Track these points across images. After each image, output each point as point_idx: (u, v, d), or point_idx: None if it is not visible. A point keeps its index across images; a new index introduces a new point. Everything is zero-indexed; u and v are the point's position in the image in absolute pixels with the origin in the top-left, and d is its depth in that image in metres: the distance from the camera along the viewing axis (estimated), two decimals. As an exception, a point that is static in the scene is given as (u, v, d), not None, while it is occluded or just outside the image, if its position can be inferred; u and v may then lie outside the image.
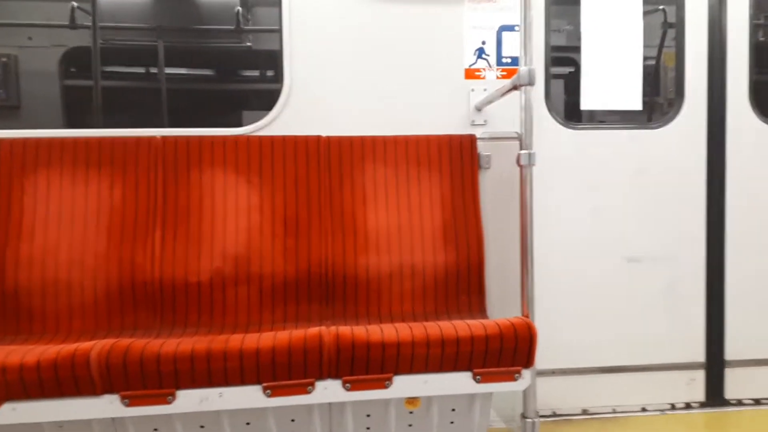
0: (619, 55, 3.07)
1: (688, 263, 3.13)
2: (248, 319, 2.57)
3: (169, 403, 2.01)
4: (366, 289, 2.65)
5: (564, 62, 3.72)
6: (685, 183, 3.12)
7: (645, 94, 3.11)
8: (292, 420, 2.22)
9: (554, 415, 3.06)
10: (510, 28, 3.00)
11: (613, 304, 3.09)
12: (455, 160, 2.81)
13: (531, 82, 2.27)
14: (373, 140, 2.79)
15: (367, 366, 2.08)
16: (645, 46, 3.11)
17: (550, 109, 3.03)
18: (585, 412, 3.09)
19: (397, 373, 2.11)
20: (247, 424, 2.20)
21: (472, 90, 2.97)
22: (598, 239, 3.07)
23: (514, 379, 2.16)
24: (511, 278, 2.80)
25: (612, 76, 3.07)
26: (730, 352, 3.17)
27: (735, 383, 3.17)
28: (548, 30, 3.03)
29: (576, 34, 3.13)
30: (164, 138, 2.68)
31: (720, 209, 3.14)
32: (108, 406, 2.00)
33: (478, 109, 2.96)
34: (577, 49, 3.12)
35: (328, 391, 2.09)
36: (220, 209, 2.65)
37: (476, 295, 2.69)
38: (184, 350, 1.99)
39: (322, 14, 2.89)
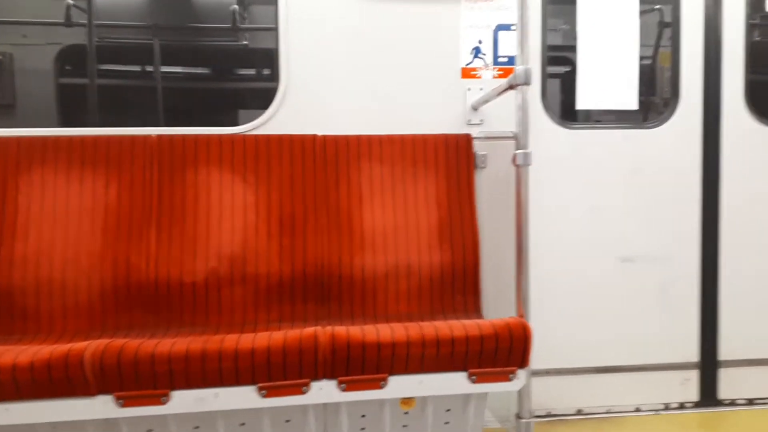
0: (615, 54, 3.07)
1: (683, 263, 3.14)
2: (243, 319, 2.57)
3: (163, 403, 2.01)
4: (361, 288, 2.65)
5: (560, 61, 3.72)
6: (680, 183, 3.12)
7: (641, 93, 3.11)
8: (287, 420, 2.22)
9: (549, 415, 3.07)
10: (506, 27, 3.00)
11: (608, 304, 3.10)
12: (451, 159, 2.80)
13: (527, 82, 2.27)
14: (369, 139, 2.79)
15: (362, 366, 2.08)
16: (641, 46, 3.11)
17: (546, 109, 3.04)
18: (579, 412, 3.09)
19: (393, 373, 2.11)
20: (242, 424, 2.19)
21: (469, 89, 2.97)
22: (594, 239, 3.07)
23: (509, 380, 2.16)
24: (507, 278, 2.80)
25: (608, 76, 3.08)
26: (724, 352, 3.18)
27: (728, 383, 3.19)
28: (545, 29, 3.03)
29: (572, 34, 3.13)
30: (159, 137, 2.67)
31: (714, 209, 3.14)
32: (102, 406, 1.99)
33: (475, 108, 2.96)
34: (572, 48, 3.12)
35: (323, 391, 2.09)
36: (215, 209, 2.64)
37: (471, 294, 2.69)
38: (178, 350, 1.99)
39: (319, 13, 2.89)
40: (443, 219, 2.74)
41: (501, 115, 2.95)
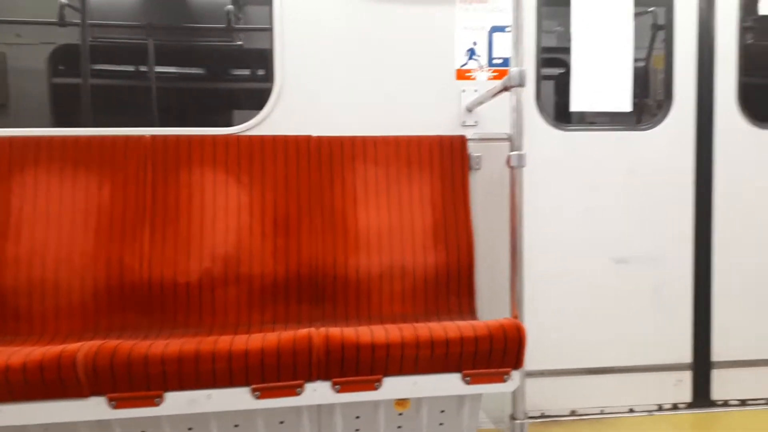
0: (609, 56, 3.08)
1: (676, 264, 3.15)
2: (237, 320, 2.56)
3: (156, 405, 2.00)
4: (356, 289, 2.64)
5: (554, 63, 3.73)
6: (673, 184, 3.13)
7: (634, 95, 3.12)
8: (281, 422, 2.22)
9: (543, 416, 3.07)
10: (501, 29, 3.00)
11: (602, 306, 3.10)
12: (446, 160, 2.81)
13: (522, 84, 2.28)
14: (364, 140, 2.79)
15: (356, 367, 2.08)
16: (635, 48, 3.12)
17: (540, 110, 3.04)
18: (573, 413, 3.10)
19: (387, 374, 2.11)
20: (236, 426, 2.19)
21: (463, 91, 2.97)
22: (587, 240, 3.08)
23: (504, 381, 2.17)
24: (501, 279, 2.81)
25: (602, 78, 3.09)
26: (717, 353, 3.19)
27: (721, 384, 3.20)
28: (539, 31, 3.03)
29: (566, 36, 3.14)
30: (153, 137, 2.67)
31: (708, 211, 3.16)
32: (95, 408, 1.99)
33: (469, 110, 2.96)
34: (567, 50, 3.13)
35: (318, 392, 2.08)
36: (209, 209, 2.64)
37: (466, 296, 2.69)
38: (172, 352, 1.98)
39: (314, 13, 2.88)
40: (438, 220, 2.74)
41: (495, 117, 2.95)
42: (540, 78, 3.06)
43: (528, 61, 2.98)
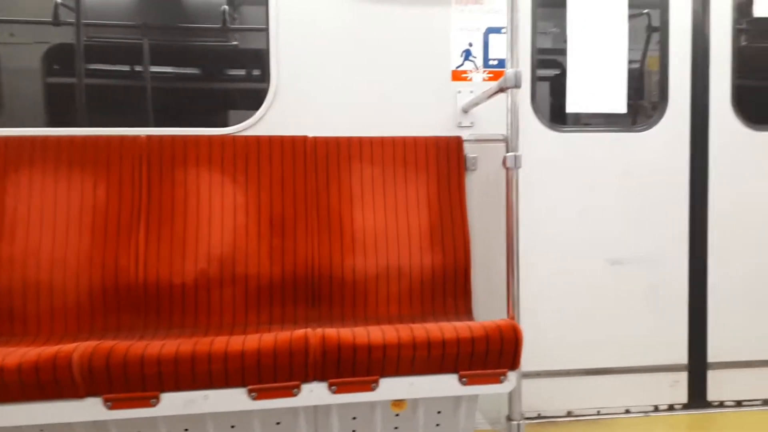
0: (604, 58, 3.09)
1: (672, 265, 3.16)
2: (233, 320, 2.55)
3: (152, 406, 2.00)
4: (352, 290, 2.64)
5: (550, 65, 3.74)
6: (668, 186, 3.15)
7: (629, 97, 3.13)
8: (278, 423, 2.21)
9: (539, 417, 3.08)
10: (497, 30, 3.01)
11: (598, 306, 3.11)
12: (442, 161, 2.81)
13: (517, 85, 2.28)
14: (360, 141, 2.79)
15: (353, 368, 2.08)
16: (629, 50, 3.13)
17: (535, 112, 3.05)
18: (570, 414, 3.10)
19: (384, 375, 2.11)
20: (232, 427, 2.18)
21: (459, 92, 2.97)
22: (583, 241, 3.09)
23: (500, 381, 2.17)
24: (497, 280, 2.82)
25: (597, 80, 3.10)
26: (713, 354, 3.20)
27: (717, 385, 3.21)
28: (535, 33, 3.04)
29: (562, 37, 3.15)
30: (149, 137, 2.66)
31: (703, 212, 3.17)
32: (90, 409, 1.98)
33: (465, 111, 2.96)
34: (562, 51, 3.14)
35: (314, 393, 2.08)
36: (205, 210, 2.63)
37: (462, 297, 2.70)
38: (168, 352, 1.98)
39: (309, 14, 2.88)
40: (434, 221, 2.74)
41: (491, 118, 2.95)
42: (535, 79, 3.07)
43: (523, 63, 2.99)
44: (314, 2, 2.88)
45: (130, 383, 1.97)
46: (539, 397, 3.08)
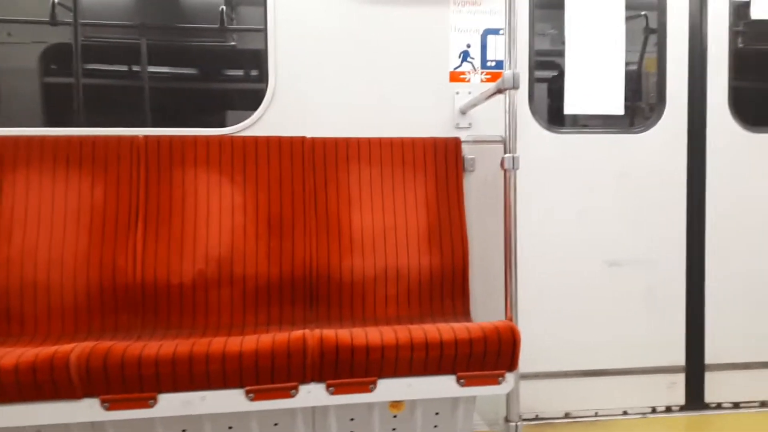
0: (602, 60, 3.10)
1: (669, 267, 3.16)
2: (231, 321, 2.55)
3: (150, 407, 1.99)
4: (350, 291, 2.64)
5: (548, 66, 3.75)
6: (666, 187, 3.15)
7: (627, 98, 3.14)
8: (275, 424, 2.21)
9: (537, 418, 3.08)
10: (495, 31, 3.01)
11: (595, 308, 3.11)
12: (440, 163, 2.81)
13: (515, 86, 2.28)
14: (358, 142, 2.79)
15: (351, 369, 2.08)
16: (627, 51, 3.13)
17: (533, 113, 3.05)
18: (567, 415, 3.11)
19: (381, 376, 2.11)
20: (230, 428, 2.18)
21: (457, 93, 2.98)
22: (581, 243, 3.09)
23: (498, 383, 2.17)
24: (495, 281, 2.82)
25: (595, 81, 3.10)
26: (710, 355, 3.21)
27: (715, 387, 3.21)
28: (532, 34, 3.04)
29: (560, 39, 3.15)
30: (146, 137, 2.65)
31: (700, 214, 3.18)
32: (88, 410, 1.97)
33: (463, 112, 2.96)
34: (560, 53, 3.14)
35: (312, 394, 2.08)
36: (202, 210, 2.62)
37: (460, 298, 2.70)
38: (165, 353, 1.97)
39: (307, 14, 2.88)
40: (432, 222, 2.74)
41: (489, 119, 2.96)
42: (533, 81, 3.07)
43: (521, 64, 2.99)
44: (312, 3, 2.88)
45: (128, 384, 1.97)
46: (537, 398, 3.08)
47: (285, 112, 2.87)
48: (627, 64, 3.15)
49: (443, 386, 2.15)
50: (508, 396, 2.40)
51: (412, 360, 2.10)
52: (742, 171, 3.18)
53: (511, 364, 2.17)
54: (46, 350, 1.95)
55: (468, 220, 2.81)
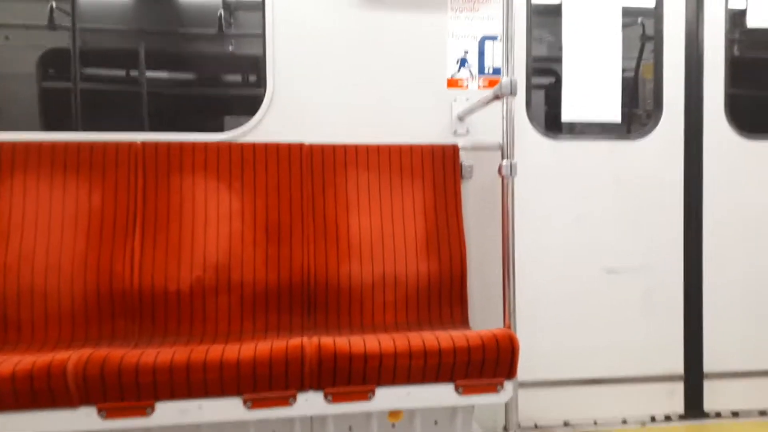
0: (599, 67, 3.11)
1: (667, 274, 3.16)
2: (229, 328, 2.54)
3: (147, 415, 1.98)
4: (348, 298, 2.63)
5: (545, 73, 3.76)
6: (663, 194, 3.16)
7: (624, 105, 3.15)
8: None
9: (536, 427, 3.06)
10: (492, 38, 3.02)
11: (593, 316, 3.11)
12: (438, 169, 2.81)
13: (513, 93, 2.28)
14: (356, 148, 2.79)
15: (349, 377, 2.07)
16: (624, 59, 3.14)
17: (531, 120, 3.05)
18: (566, 424, 3.10)
19: (380, 384, 2.10)
20: None
21: (455, 99, 2.98)
22: (579, 250, 3.09)
23: (496, 391, 2.16)
24: (493, 288, 2.81)
25: (592, 88, 3.11)
26: (709, 364, 3.21)
27: (714, 395, 3.21)
28: (530, 41, 3.05)
29: (557, 45, 3.16)
30: (144, 143, 2.64)
31: (697, 220, 3.18)
32: (85, 418, 1.96)
33: (461, 118, 2.96)
34: (557, 60, 3.15)
35: (310, 403, 2.07)
36: (200, 216, 2.62)
37: (458, 305, 2.69)
38: (163, 361, 1.97)
39: (305, 21, 2.88)
40: (430, 229, 2.74)
41: (487, 126, 2.96)
42: (531, 87, 3.08)
43: (519, 71, 3.00)
44: (310, 9, 2.88)
45: (125, 392, 1.96)
46: (535, 406, 3.07)
47: (283, 117, 2.87)
48: (624, 71, 3.16)
49: (441, 395, 2.14)
50: (507, 405, 2.40)
51: (410, 368, 2.09)
52: (738, 178, 3.20)
53: (510, 372, 2.16)
54: (43, 358, 1.94)
55: (466, 226, 2.81)
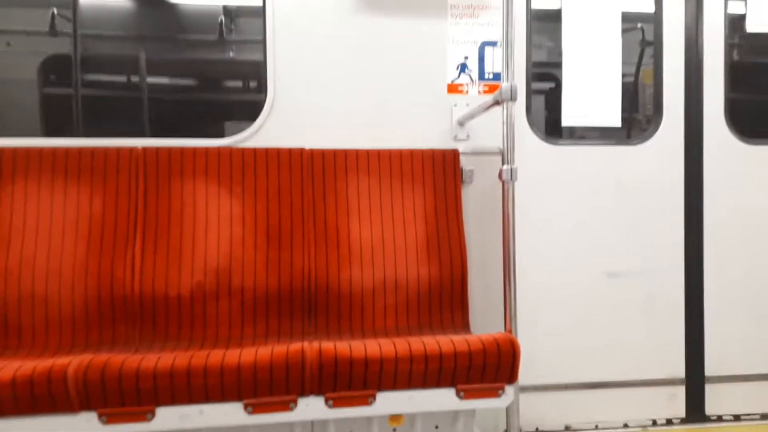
0: (599, 72, 3.12)
1: (668, 278, 3.16)
2: (229, 333, 2.54)
3: (148, 420, 1.98)
4: (349, 302, 2.63)
5: (545, 78, 3.77)
6: (663, 198, 3.16)
7: (624, 110, 3.15)
8: None
9: (537, 431, 3.06)
10: (492, 43, 3.03)
11: (594, 320, 3.10)
12: (438, 174, 2.82)
13: (513, 98, 2.29)
14: (357, 153, 2.79)
15: (350, 382, 2.07)
16: (623, 64, 3.15)
17: (531, 125, 3.06)
18: (568, 428, 3.09)
19: (381, 389, 2.10)
20: None
21: (455, 105, 2.98)
22: (579, 254, 3.09)
23: (498, 396, 2.16)
24: (494, 293, 2.81)
25: (592, 93, 3.11)
26: (710, 367, 3.21)
27: (715, 399, 3.21)
28: (530, 46, 3.06)
29: (557, 51, 3.17)
30: (145, 149, 2.65)
31: (698, 225, 3.18)
32: (85, 424, 1.96)
33: (461, 123, 2.97)
34: (557, 65, 3.16)
35: (311, 407, 2.07)
36: (201, 221, 2.62)
37: (459, 309, 2.69)
38: (163, 366, 1.97)
39: (306, 26, 2.89)
40: (431, 234, 2.74)
41: (487, 131, 2.96)
42: (531, 93, 3.08)
43: (519, 76, 3.00)
44: (311, 15, 2.89)
45: (126, 397, 1.95)
46: (537, 411, 3.07)
47: (284, 122, 2.87)
48: (624, 76, 3.16)
49: (443, 399, 2.14)
50: (508, 409, 2.39)
51: (411, 372, 2.09)
52: (738, 182, 3.20)
53: (511, 376, 2.16)
54: (43, 363, 1.94)
55: (466, 231, 2.81)
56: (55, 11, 3.40)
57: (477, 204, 2.92)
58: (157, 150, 2.65)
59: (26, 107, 3.45)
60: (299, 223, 2.67)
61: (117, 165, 2.61)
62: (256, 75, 3.56)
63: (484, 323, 2.80)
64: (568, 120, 3.12)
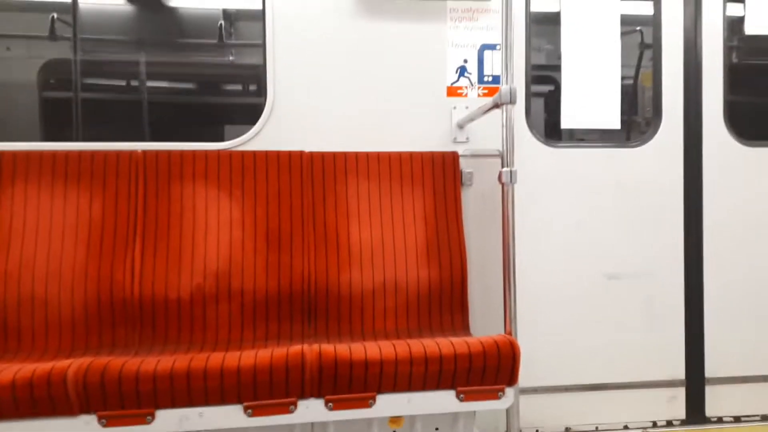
0: (598, 74, 3.12)
1: (667, 280, 3.16)
2: (229, 336, 2.54)
3: (148, 423, 1.98)
4: (348, 305, 2.63)
5: (544, 81, 3.77)
6: (663, 200, 3.16)
7: (623, 113, 3.16)
8: None
9: (537, 432, 3.07)
10: (491, 46, 3.03)
11: (594, 322, 3.10)
12: (438, 177, 2.82)
13: (512, 101, 2.29)
14: (356, 156, 2.80)
15: (349, 384, 2.07)
16: (623, 66, 3.16)
17: (530, 127, 3.06)
18: (568, 430, 3.09)
19: (381, 391, 2.10)
20: None
21: (455, 108, 2.99)
22: (579, 256, 3.09)
23: (498, 398, 2.16)
24: (494, 295, 2.81)
25: (591, 96, 3.12)
26: (710, 369, 3.20)
27: (715, 401, 3.20)
28: (529, 49, 3.07)
29: (556, 53, 3.18)
30: (145, 152, 2.65)
31: (697, 227, 3.18)
32: (85, 426, 1.96)
33: (460, 126, 2.98)
34: (556, 68, 3.16)
35: (311, 410, 2.07)
36: (201, 224, 2.62)
37: (459, 311, 2.69)
38: (163, 369, 1.96)
39: (306, 30, 2.90)
40: (430, 236, 2.75)
41: (486, 134, 2.97)
42: (530, 95, 3.09)
43: (518, 79, 3.01)
44: (310, 18, 2.90)
45: (125, 400, 1.95)
46: (537, 412, 3.06)
47: (284, 126, 2.88)
48: (623, 78, 3.17)
49: (443, 401, 2.14)
50: (508, 411, 2.38)
51: (411, 375, 2.09)
52: (738, 184, 3.20)
53: (511, 378, 2.16)
54: (43, 366, 1.93)
55: (466, 233, 2.81)
56: (55, 16, 3.41)
57: (477, 206, 2.93)
58: (157, 153, 2.65)
59: (26, 111, 3.46)
60: (299, 225, 2.67)
61: (117, 168, 2.61)
62: (255, 78, 3.57)
63: (484, 325, 2.80)
64: (567, 122, 3.12)
